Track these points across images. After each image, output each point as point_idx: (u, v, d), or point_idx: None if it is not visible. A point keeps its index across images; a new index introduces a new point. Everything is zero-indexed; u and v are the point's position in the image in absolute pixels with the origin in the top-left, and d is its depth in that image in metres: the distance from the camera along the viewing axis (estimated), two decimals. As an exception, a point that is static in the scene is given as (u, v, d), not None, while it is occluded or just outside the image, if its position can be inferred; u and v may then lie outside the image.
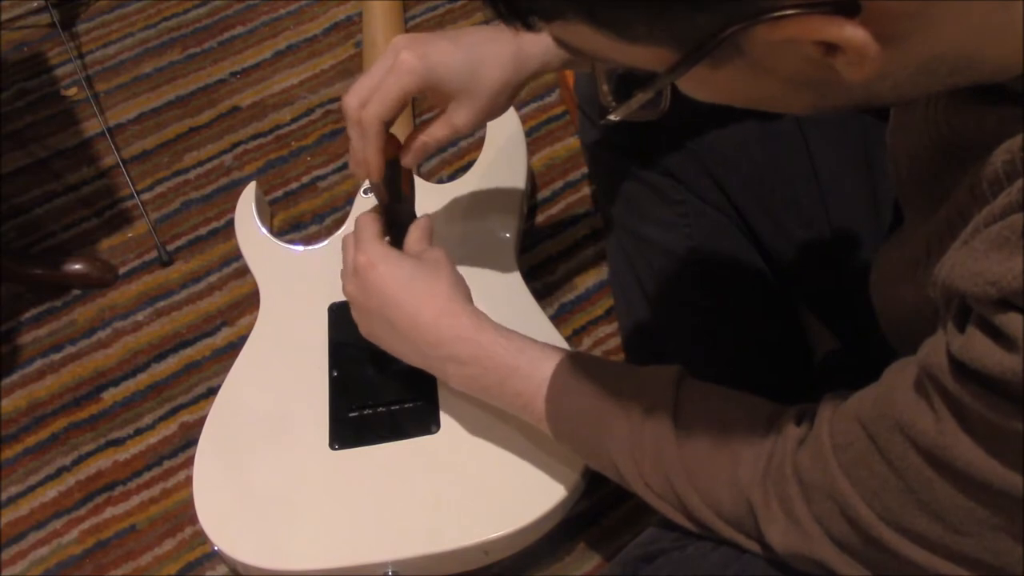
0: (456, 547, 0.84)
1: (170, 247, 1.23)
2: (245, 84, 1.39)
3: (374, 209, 0.87)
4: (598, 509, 1.00)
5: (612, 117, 0.53)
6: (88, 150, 1.33)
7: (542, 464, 0.86)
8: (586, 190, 1.25)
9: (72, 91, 1.39)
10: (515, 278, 1.00)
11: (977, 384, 0.44)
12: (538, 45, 0.79)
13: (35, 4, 1.48)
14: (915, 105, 0.55)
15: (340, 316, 0.96)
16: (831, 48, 0.42)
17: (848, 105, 0.48)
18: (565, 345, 0.90)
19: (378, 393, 0.92)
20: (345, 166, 1.29)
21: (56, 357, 1.15)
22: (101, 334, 1.17)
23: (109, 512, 1.04)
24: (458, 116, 0.80)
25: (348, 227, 0.99)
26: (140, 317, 1.18)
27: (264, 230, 1.10)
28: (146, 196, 1.28)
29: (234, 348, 1.11)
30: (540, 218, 1.23)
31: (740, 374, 0.72)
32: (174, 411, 1.11)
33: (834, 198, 0.87)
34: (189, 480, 0.93)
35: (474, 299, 0.81)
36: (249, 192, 1.13)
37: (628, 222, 0.96)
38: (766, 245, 0.91)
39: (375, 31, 1.28)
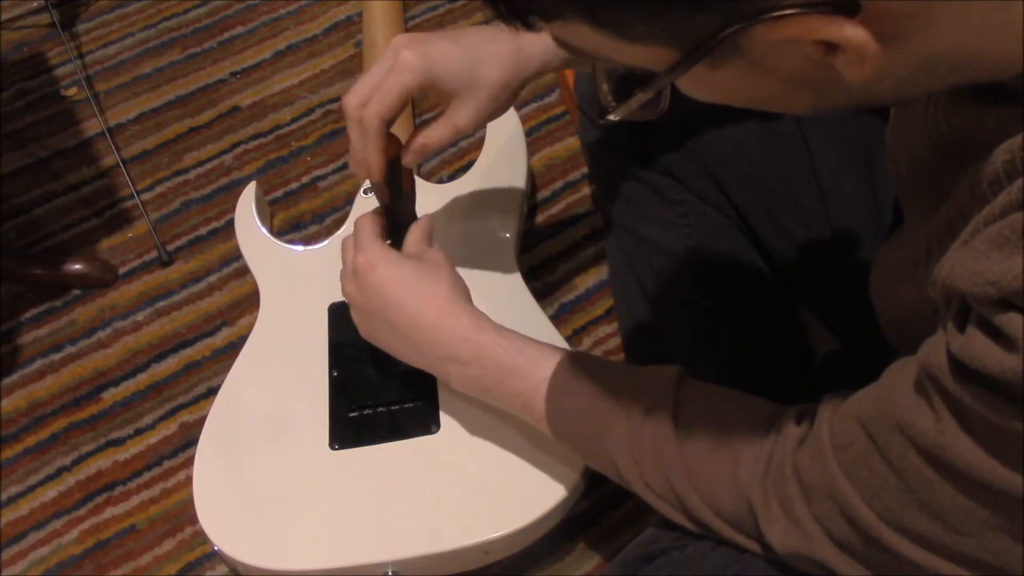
0: (456, 547, 0.84)
1: (170, 247, 1.23)
2: (245, 84, 1.39)
3: (375, 210, 0.87)
4: (598, 509, 1.00)
5: (612, 117, 0.53)
6: (88, 150, 1.33)
7: (542, 464, 0.86)
8: (586, 190, 1.25)
9: (72, 91, 1.39)
10: (515, 278, 1.00)
11: (977, 384, 0.44)
12: (538, 45, 0.79)
13: (35, 4, 1.48)
14: (915, 105, 0.55)
15: (340, 316, 0.96)
16: (831, 48, 0.42)
17: (848, 105, 0.48)
18: (565, 345, 0.90)
19: (378, 393, 0.92)
20: (345, 166, 1.29)
21: (56, 357, 1.15)
22: (101, 334, 1.17)
23: (109, 512, 1.04)
24: (460, 115, 0.80)
25: (348, 227, 0.99)
26: (140, 317, 1.18)
27: (264, 230, 1.10)
28: (146, 196, 1.28)
29: (234, 348, 1.11)
30: (540, 218, 1.23)
31: (740, 374, 0.72)
32: (174, 411, 1.11)
33: (834, 198, 0.87)
34: (189, 480, 0.93)
35: (474, 299, 0.81)
36: (249, 192, 1.13)
37: (628, 222, 0.96)
38: (766, 245, 0.91)
39: (375, 31, 1.28)
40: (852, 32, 0.40)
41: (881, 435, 0.52)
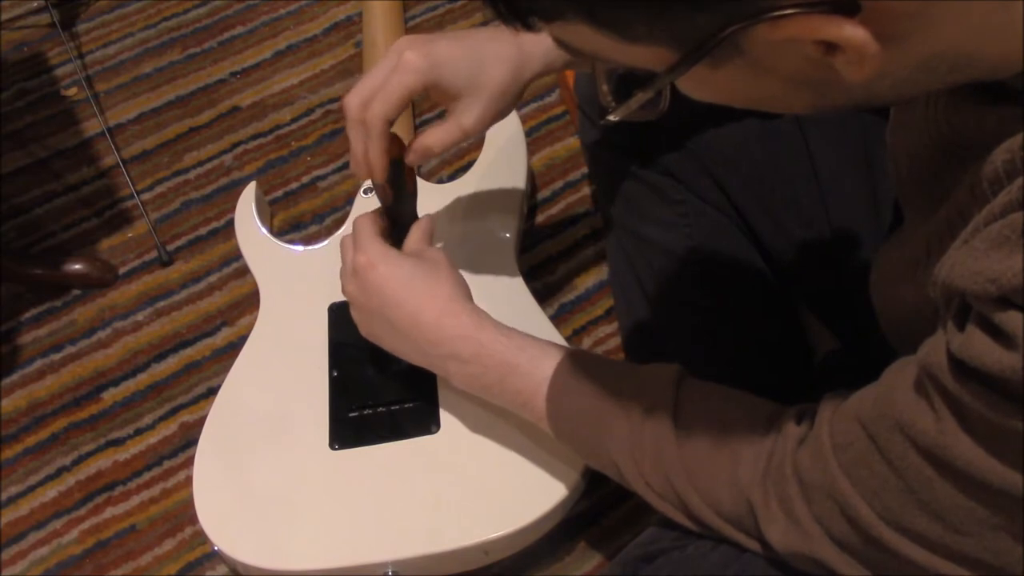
0: (456, 547, 0.84)
1: (170, 247, 1.23)
2: (245, 84, 1.39)
3: (375, 210, 0.87)
4: (598, 509, 1.00)
5: (612, 117, 0.53)
6: (88, 150, 1.33)
7: (542, 464, 0.86)
8: (586, 190, 1.25)
9: (72, 91, 1.39)
10: (515, 278, 1.00)
11: (977, 383, 0.44)
12: (541, 45, 0.79)
13: (35, 4, 1.48)
14: (915, 104, 0.55)
15: (340, 316, 0.96)
16: (831, 47, 0.42)
17: (848, 104, 0.48)
18: (565, 345, 0.90)
19: (378, 393, 0.92)
20: (345, 166, 1.29)
21: (56, 357, 1.15)
22: (101, 334, 1.17)
23: (109, 512, 1.04)
24: (465, 117, 0.79)
25: (348, 227, 0.99)
26: (140, 317, 1.18)
27: (264, 230, 1.10)
28: (146, 196, 1.28)
29: (234, 348, 1.11)
30: (540, 218, 1.23)
31: (740, 374, 0.72)
32: (174, 411, 1.11)
33: (834, 198, 0.87)
34: (189, 480, 0.93)
35: (474, 299, 0.81)
36: (249, 192, 1.13)
37: (628, 222, 0.96)
38: (766, 245, 0.91)
39: (375, 31, 1.28)
40: (852, 32, 0.40)
41: (881, 435, 0.52)
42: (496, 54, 0.78)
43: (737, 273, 0.91)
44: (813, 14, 0.40)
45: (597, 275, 1.17)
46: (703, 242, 0.91)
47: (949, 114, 0.51)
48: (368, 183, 1.06)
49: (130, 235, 1.25)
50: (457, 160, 1.27)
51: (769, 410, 0.65)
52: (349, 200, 1.19)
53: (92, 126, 1.35)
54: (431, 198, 1.05)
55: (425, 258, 0.82)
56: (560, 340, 0.92)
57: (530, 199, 1.22)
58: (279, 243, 1.08)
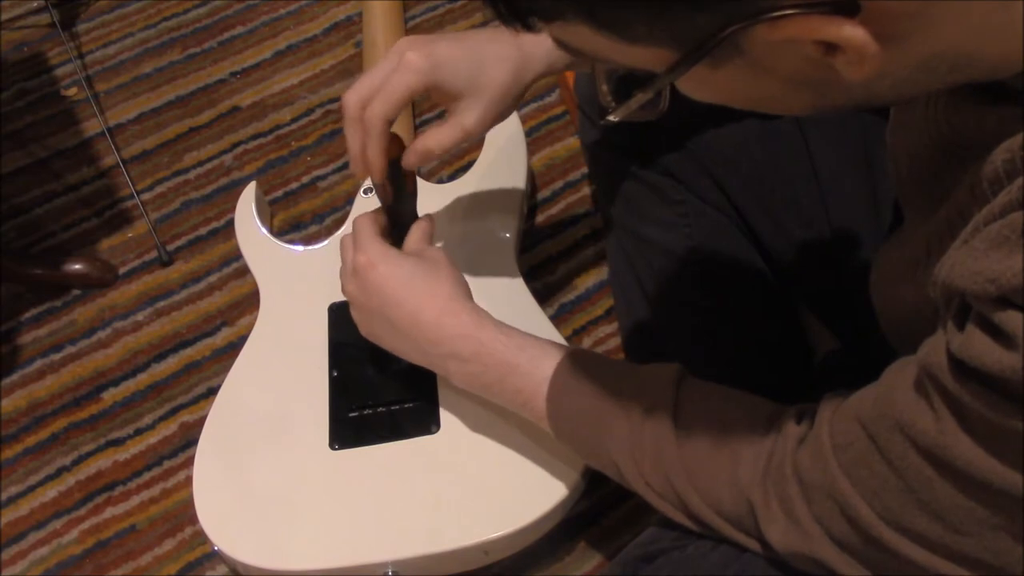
0: (456, 547, 0.84)
1: (170, 247, 1.23)
2: (245, 84, 1.39)
3: (376, 210, 0.87)
4: (598, 509, 1.00)
5: (611, 117, 0.53)
6: (88, 150, 1.33)
7: (542, 464, 0.86)
8: (586, 190, 1.25)
9: (72, 91, 1.39)
10: (515, 278, 1.00)
11: (977, 383, 0.44)
12: (543, 46, 0.79)
13: (35, 4, 1.48)
14: (915, 104, 0.55)
15: (340, 316, 0.96)
16: (831, 48, 0.42)
17: (848, 105, 0.48)
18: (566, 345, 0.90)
19: (378, 393, 0.92)
20: (345, 166, 1.29)
21: (56, 357, 1.15)
22: (101, 334, 1.17)
23: (109, 512, 1.04)
24: (467, 118, 0.79)
25: (348, 227, 0.99)
26: (140, 317, 1.18)
27: (264, 230, 1.10)
28: (146, 196, 1.28)
29: (234, 348, 1.11)
30: (540, 218, 1.23)
31: (740, 374, 0.72)
32: (174, 411, 1.11)
33: (834, 198, 0.87)
34: (189, 480, 0.93)
35: (474, 299, 0.81)
36: (249, 192, 1.13)
37: (628, 222, 0.96)
38: (766, 245, 0.91)
39: (375, 31, 1.28)
40: (851, 32, 0.40)
41: (881, 435, 0.52)
42: (497, 55, 0.78)
43: (737, 273, 0.91)
44: (813, 14, 0.40)
45: (597, 275, 1.17)
46: (703, 242, 0.91)
47: (949, 114, 0.51)
48: (368, 183, 1.06)
49: (130, 235, 1.25)
50: (457, 160, 1.27)
51: (769, 410, 0.65)
52: (349, 200, 1.19)
53: (92, 126, 1.35)
54: (431, 198, 1.05)
55: (425, 257, 0.82)
56: (560, 340, 0.92)
57: (530, 199, 1.22)
58: (279, 243, 1.08)
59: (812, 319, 0.96)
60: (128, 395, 1.12)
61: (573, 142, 1.28)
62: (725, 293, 0.91)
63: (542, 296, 1.15)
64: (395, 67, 0.78)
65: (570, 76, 1.22)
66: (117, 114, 1.36)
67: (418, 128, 1.29)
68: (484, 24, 1.39)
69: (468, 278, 0.83)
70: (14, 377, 1.14)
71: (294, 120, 1.34)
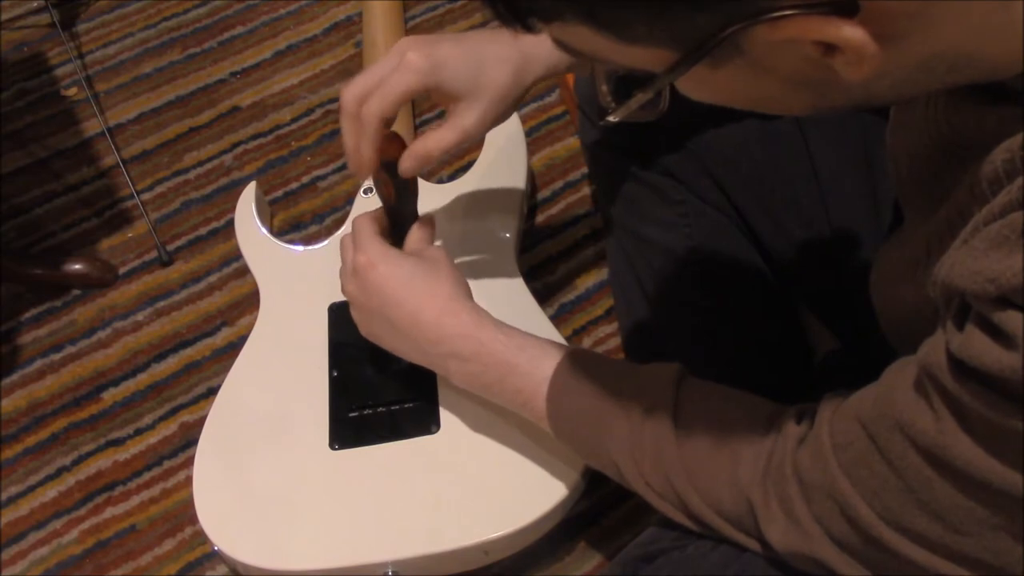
0: (456, 547, 0.84)
1: (170, 247, 1.23)
2: (245, 84, 1.39)
3: (377, 210, 0.87)
4: (598, 509, 1.00)
5: (611, 118, 0.53)
6: (88, 150, 1.33)
7: (542, 464, 0.86)
8: (586, 190, 1.25)
9: (72, 91, 1.39)
10: (515, 278, 1.00)
11: (976, 382, 0.45)
12: (544, 48, 0.79)
13: (35, 4, 1.48)
14: (915, 104, 0.55)
15: (340, 316, 0.96)
16: (830, 48, 0.42)
17: (847, 105, 0.48)
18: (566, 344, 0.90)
19: (378, 393, 0.92)
20: (345, 166, 1.28)
21: (56, 357, 1.15)
22: (101, 334, 1.17)
23: (109, 512, 1.04)
24: (466, 119, 0.79)
25: (348, 227, 0.99)
26: (140, 317, 1.18)
27: (264, 230, 1.10)
28: (146, 196, 1.28)
29: (234, 348, 1.11)
30: (540, 218, 1.23)
31: (740, 374, 0.72)
32: (174, 411, 1.11)
33: (834, 198, 0.87)
34: (189, 480, 0.93)
35: (474, 299, 0.81)
36: (249, 192, 1.13)
37: (628, 222, 0.96)
38: (766, 245, 0.91)
39: (375, 31, 1.28)
40: (850, 32, 0.40)
41: (881, 435, 0.52)
42: (498, 56, 0.78)
43: (737, 273, 0.91)
44: (812, 15, 0.40)
45: (597, 275, 1.17)
46: (703, 242, 0.91)
47: (949, 114, 0.51)
48: (368, 183, 1.06)
49: (130, 235, 1.25)
50: (457, 160, 1.27)
51: (769, 410, 0.65)
52: (349, 200, 1.19)
53: (92, 126, 1.35)
54: (431, 198, 1.05)
55: (425, 257, 0.82)
56: (560, 340, 0.92)
57: (530, 199, 1.22)
58: (279, 243, 1.08)
59: (812, 319, 0.96)
60: (128, 395, 1.12)
61: (573, 142, 1.28)
62: (725, 293, 0.91)
63: (542, 296, 1.15)
64: (395, 66, 0.78)
65: (570, 77, 1.22)
66: (117, 114, 1.36)
67: (418, 128, 1.29)
68: (484, 24, 1.39)
69: (468, 278, 0.83)
70: (14, 377, 1.14)
71: (294, 120, 1.34)
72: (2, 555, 1.02)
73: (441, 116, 0.83)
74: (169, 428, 1.09)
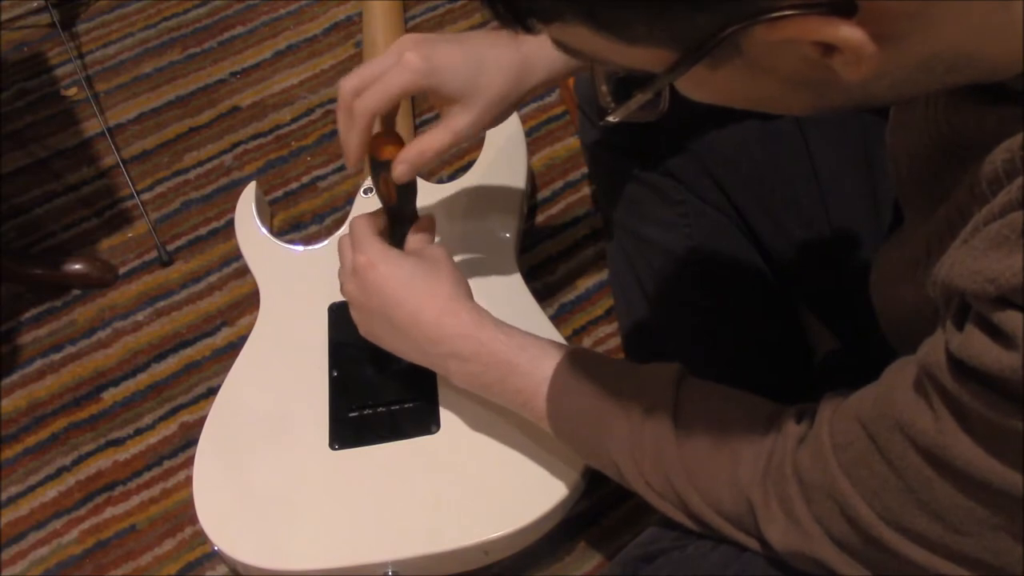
0: (456, 547, 0.84)
1: (170, 247, 1.23)
2: (245, 84, 1.39)
3: (376, 210, 0.87)
4: (598, 509, 1.00)
5: (611, 118, 0.53)
6: (88, 150, 1.33)
7: (542, 463, 0.86)
8: (586, 190, 1.25)
9: (72, 91, 1.39)
10: (515, 278, 1.00)
11: (976, 382, 0.45)
12: (544, 55, 0.78)
13: (35, 4, 1.48)
14: (915, 104, 0.55)
15: (340, 316, 0.96)
16: (829, 48, 0.42)
17: (847, 105, 0.48)
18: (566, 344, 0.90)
19: (378, 393, 0.92)
20: (345, 166, 1.29)
21: (56, 357, 1.15)
22: (101, 334, 1.17)
23: (109, 512, 1.04)
24: (459, 121, 0.79)
25: (347, 228, 0.99)
26: (140, 317, 1.18)
27: (264, 230, 1.10)
28: (146, 196, 1.28)
29: (234, 348, 1.11)
30: (540, 218, 1.23)
31: (740, 374, 0.72)
32: (174, 411, 1.11)
33: (834, 198, 0.87)
34: (189, 480, 0.93)
35: (474, 299, 0.81)
36: (249, 192, 1.13)
37: (628, 222, 0.96)
38: (766, 245, 0.91)
39: (375, 31, 1.28)
40: (849, 33, 0.40)
41: (881, 434, 0.52)
42: (497, 62, 0.78)
43: (737, 273, 0.91)
44: (810, 15, 0.40)
45: (597, 275, 1.17)
46: (703, 242, 0.91)
47: (949, 114, 0.51)
48: (368, 183, 1.06)
49: (130, 235, 1.25)
50: (457, 160, 1.27)
51: (769, 410, 0.65)
52: (349, 200, 1.19)
53: (92, 126, 1.35)
54: (431, 198, 1.05)
55: (425, 257, 0.82)
56: (560, 340, 0.92)
57: (530, 199, 1.22)
58: (279, 243, 1.08)
59: (812, 319, 0.96)
60: (128, 395, 1.12)
61: (573, 142, 1.28)
62: (725, 293, 0.91)
63: (542, 296, 1.15)
64: (393, 64, 0.78)
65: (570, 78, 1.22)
66: (117, 114, 1.36)
67: (418, 128, 1.29)
68: (484, 24, 1.39)
69: (468, 278, 0.83)
70: (14, 377, 1.14)
71: (294, 120, 1.34)
72: (2, 555, 1.02)
73: (440, 120, 0.83)
74: (169, 428, 1.10)
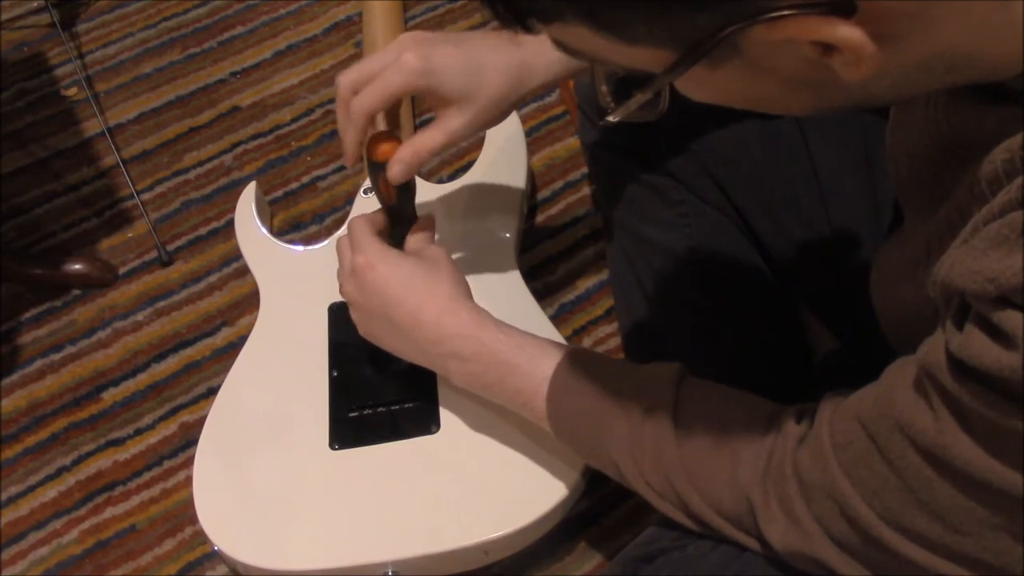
0: (456, 547, 0.84)
1: (170, 247, 1.23)
2: (245, 84, 1.39)
3: (375, 211, 0.87)
4: (598, 509, 1.00)
5: (611, 118, 0.53)
6: (88, 150, 1.33)
7: (542, 463, 0.86)
8: (586, 190, 1.25)
9: (72, 91, 1.39)
10: (515, 278, 1.00)
11: (976, 382, 0.45)
12: (543, 59, 0.78)
13: (35, 4, 1.48)
14: (915, 104, 0.55)
15: (340, 316, 0.96)
16: (828, 48, 0.42)
17: (846, 105, 0.48)
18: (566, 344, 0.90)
19: (378, 393, 0.92)
20: (345, 166, 1.29)
21: (56, 357, 1.15)
22: (101, 334, 1.17)
23: (109, 512, 1.04)
24: (453, 121, 0.79)
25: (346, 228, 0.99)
26: (140, 317, 1.18)
27: (264, 230, 1.10)
28: (146, 196, 1.28)
29: (234, 348, 1.11)
30: (540, 218, 1.23)
31: (740, 374, 0.72)
32: (174, 411, 1.11)
33: (834, 198, 0.87)
34: (189, 480, 0.93)
35: (474, 299, 0.81)
36: (249, 192, 1.13)
37: (628, 222, 0.96)
38: (766, 245, 0.91)
39: (375, 31, 1.28)
40: (848, 33, 0.40)
41: (881, 434, 0.52)
42: (496, 65, 0.78)
43: (737, 273, 0.91)
44: (810, 15, 0.40)
45: (597, 275, 1.17)
46: (703, 242, 0.91)
47: (949, 114, 0.51)
48: (368, 183, 1.06)
49: (130, 235, 1.25)
50: (457, 160, 1.27)
51: (769, 409, 0.65)
52: (349, 200, 1.19)
53: (92, 126, 1.35)
54: (431, 198, 1.05)
55: (425, 257, 0.82)
56: (560, 340, 0.92)
57: (530, 199, 1.22)
58: (279, 243, 1.08)
59: (812, 319, 0.96)
60: (128, 395, 1.12)
61: (573, 142, 1.28)
62: (725, 293, 0.91)
63: (542, 296, 1.15)
64: (391, 63, 0.78)
65: (570, 76, 1.22)
66: (117, 114, 1.36)
67: (418, 128, 1.29)
68: (484, 24, 1.39)
69: (468, 278, 0.83)
70: (14, 377, 1.14)
71: (294, 120, 1.34)
72: (2, 555, 1.02)
73: (435, 120, 0.82)
74: (169, 428, 1.10)
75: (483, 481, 0.87)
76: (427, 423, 0.90)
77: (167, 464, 1.07)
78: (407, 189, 0.85)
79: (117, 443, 1.09)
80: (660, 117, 0.55)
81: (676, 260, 0.92)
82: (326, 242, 1.06)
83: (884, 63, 0.42)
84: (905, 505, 0.51)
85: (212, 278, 1.21)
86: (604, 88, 0.56)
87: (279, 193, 1.27)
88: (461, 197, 1.06)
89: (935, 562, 0.52)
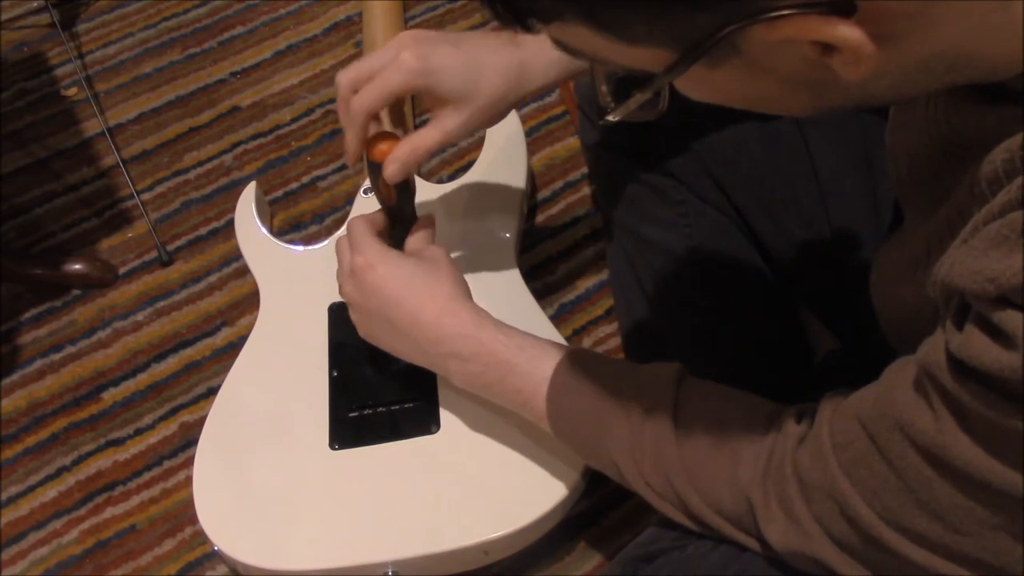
0: (456, 547, 0.84)
1: (170, 247, 1.23)
2: (245, 84, 1.39)
3: (374, 212, 0.87)
4: (598, 509, 1.00)
5: (610, 118, 0.53)
6: (88, 150, 1.33)
7: (542, 464, 0.86)
8: (586, 190, 1.25)
9: (72, 91, 1.39)
10: (515, 278, 1.00)
11: (976, 382, 0.44)
12: (542, 61, 0.78)
13: (35, 4, 1.48)
14: (915, 104, 0.55)
15: (340, 316, 0.96)
16: (827, 48, 0.42)
17: (846, 105, 0.48)
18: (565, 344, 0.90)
19: (378, 393, 0.92)
20: (345, 166, 1.29)
21: (56, 357, 1.15)
22: (101, 334, 1.17)
23: (109, 512, 1.04)
24: (450, 121, 0.79)
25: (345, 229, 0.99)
26: (140, 317, 1.18)
27: (264, 230, 1.10)
28: (146, 196, 1.28)
29: (234, 348, 1.11)
30: (540, 218, 1.23)
31: (740, 374, 0.72)
32: (174, 411, 1.11)
33: (834, 198, 0.87)
34: (189, 480, 0.93)
35: (474, 299, 0.81)
36: (249, 192, 1.13)
37: (628, 222, 0.96)
38: (766, 245, 0.91)
39: (375, 31, 1.28)
40: (848, 32, 0.40)
41: (881, 434, 0.52)
42: (495, 67, 0.78)
43: (737, 273, 0.91)
44: (809, 15, 0.40)
45: (597, 275, 1.17)
46: (703, 242, 0.91)
47: (949, 114, 0.51)
48: (368, 183, 1.06)
49: (130, 235, 1.25)
50: (457, 160, 1.27)
51: (769, 409, 0.65)
52: (349, 200, 1.19)
53: (92, 126, 1.35)
54: (431, 198, 1.05)
55: (425, 257, 0.82)
56: (560, 340, 0.92)
57: (530, 199, 1.22)
58: (279, 243, 1.08)
59: (812, 319, 0.96)
60: (128, 395, 1.12)
61: (573, 142, 1.28)
62: (725, 293, 0.91)
63: (542, 296, 1.15)
64: (389, 62, 0.78)
65: (570, 77, 1.22)
66: (117, 114, 1.36)
67: (418, 127, 1.28)
68: (484, 24, 1.39)
69: (468, 278, 0.83)
70: (14, 377, 1.14)
71: (294, 120, 1.34)
72: (2, 555, 1.02)
73: (432, 119, 0.83)
74: (169, 428, 1.10)
75: (483, 481, 0.87)
76: (427, 423, 0.90)
77: (167, 464, 1.07)
78: (407, 189, 0.85)
79: (117, 443, 1.09)
80: (660, 117, 0.55)
81: (676, 260, 0.92)
82: (326, 242, 1.06)
83: (884, 63, 0.42)
84: (905, 505, 0.51)
85: (212, 278, 1.21)
86: (604, 88, 0.56)
87: (279, 193, 1.27)
88: (461, 197, 1.06)
89: (935, 562, 0.52)
